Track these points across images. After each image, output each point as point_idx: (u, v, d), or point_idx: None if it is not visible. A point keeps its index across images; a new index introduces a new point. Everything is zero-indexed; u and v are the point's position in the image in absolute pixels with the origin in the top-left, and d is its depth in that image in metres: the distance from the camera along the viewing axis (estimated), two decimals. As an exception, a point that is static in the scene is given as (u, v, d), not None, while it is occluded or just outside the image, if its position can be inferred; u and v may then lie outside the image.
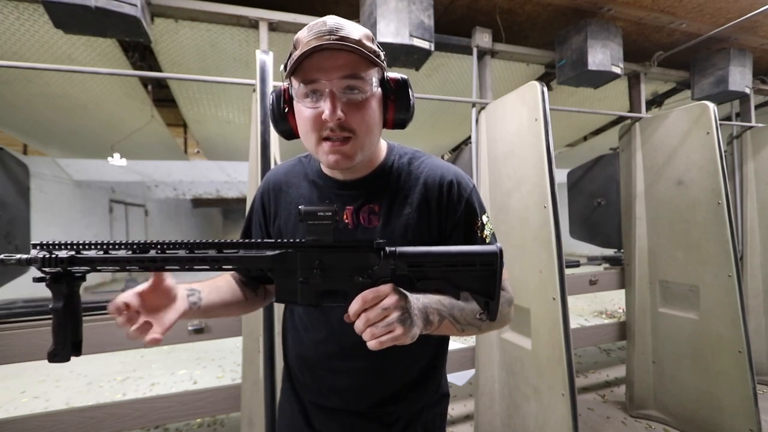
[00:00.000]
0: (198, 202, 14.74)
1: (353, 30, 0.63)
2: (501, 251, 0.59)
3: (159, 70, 2.12)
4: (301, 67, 0.63)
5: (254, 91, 1.57)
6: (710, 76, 2.53)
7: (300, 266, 0.58)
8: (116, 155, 4.01)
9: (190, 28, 1.80)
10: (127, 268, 0.55)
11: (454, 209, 0.76)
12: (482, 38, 2.05)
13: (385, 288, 0.56)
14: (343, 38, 0.61)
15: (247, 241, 0.59)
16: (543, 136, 1.65)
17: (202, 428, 2.42)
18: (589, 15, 2.07)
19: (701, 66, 2.57)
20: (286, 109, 0.71)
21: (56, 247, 0.53)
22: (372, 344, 0.54)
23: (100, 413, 1.68)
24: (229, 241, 0.58)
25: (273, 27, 1.75)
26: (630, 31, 2.27)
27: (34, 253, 0.52)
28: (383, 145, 0.80)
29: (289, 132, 0.74)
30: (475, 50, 2.06)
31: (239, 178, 9.77)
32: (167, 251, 0.55)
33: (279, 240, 0.59)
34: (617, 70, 2.09)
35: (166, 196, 11.50)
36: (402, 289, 0.58)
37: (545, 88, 1.67)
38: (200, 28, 1.80)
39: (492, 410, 2.01)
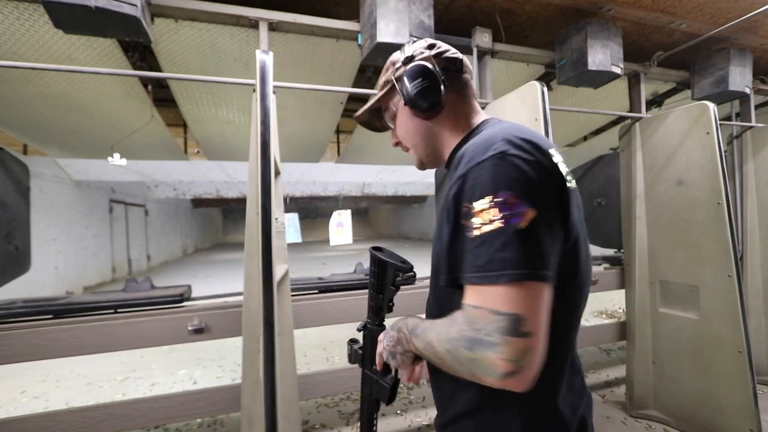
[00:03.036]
0: (198, 202, 14.76)
1: (379, 80, 0.79)
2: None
3: (159, 70, 2.12)
4: None
5: (254, 91, 1.57)
6: (710, 76, 2.53)
7: (367, 379, 0.79)
8: (116, 155, 4.01)
9: (190, 28, 1.80)
10: None
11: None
12: (482, 38, 2.05)
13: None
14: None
15: None
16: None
17: (202, 428, 2.41)
18: (589, 15, 2.07)
19: (701, 66, 2.57)
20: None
21: None
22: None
23: (100, 413, 1.68)
24: None
25: (273, 27, 1.75)
26: (630, 31, 2.27)
27: None
28: (472, 126, 0.73)
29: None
30: (475, 50, 2.06)
31: (239, 178, 9.78)
32: None
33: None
34: (617, 70, 2.09)
35: (166, 196, 11.51)
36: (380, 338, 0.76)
37: (545, 88, 1.67)
38: (200, 28, 1.81)
39: (492, 410, 2.01)
